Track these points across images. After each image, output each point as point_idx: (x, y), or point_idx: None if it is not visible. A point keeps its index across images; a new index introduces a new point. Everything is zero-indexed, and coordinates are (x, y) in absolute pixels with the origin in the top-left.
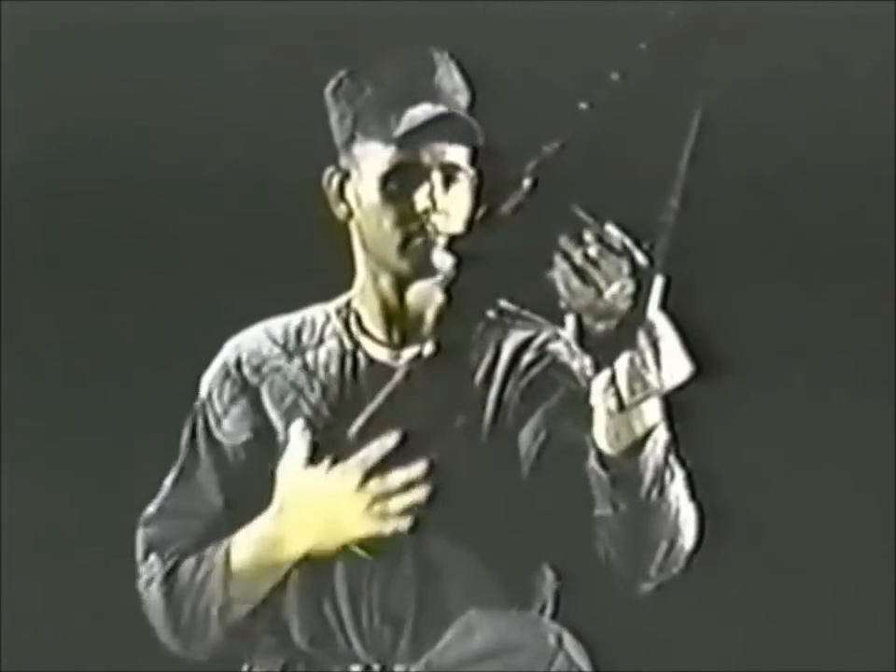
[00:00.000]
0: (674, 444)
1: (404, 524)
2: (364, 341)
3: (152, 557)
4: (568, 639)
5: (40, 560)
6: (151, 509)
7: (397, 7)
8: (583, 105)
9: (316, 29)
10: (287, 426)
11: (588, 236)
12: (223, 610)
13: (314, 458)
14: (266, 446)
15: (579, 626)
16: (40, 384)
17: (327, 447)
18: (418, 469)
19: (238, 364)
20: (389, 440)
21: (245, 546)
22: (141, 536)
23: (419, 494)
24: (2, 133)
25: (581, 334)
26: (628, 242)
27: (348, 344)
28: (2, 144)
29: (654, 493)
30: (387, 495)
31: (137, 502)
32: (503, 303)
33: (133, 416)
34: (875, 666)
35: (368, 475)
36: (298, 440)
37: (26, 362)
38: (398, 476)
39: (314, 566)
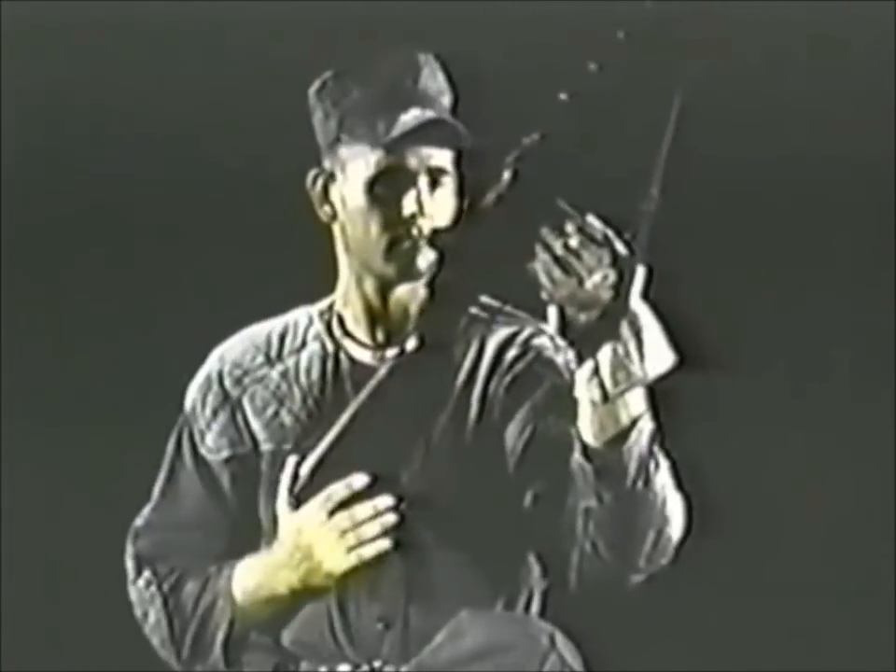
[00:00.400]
0: (659, 434)
1: (385, 543)
2: (347, 343)
3: (146, 573)
4: (561, 639)
5: (30, 568)
6: (139, 522)
7: (378, 7)
8: (563, 96)
9: (299, 30)
10: (268, 437)
11: (569, 227)
12: (227, 637)
13: (297, 495)
14: (246, 463)
15: (568, 622)
16: (28, 392)
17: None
18: (385, 501)
19: (220, 376)
20: (357, 480)
21: (244, 577)
22: (130, 550)
23: (389, 518)
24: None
25: (564, 325)
26: (609, 232)
27: (330, 347)
28: None
29: (639, 483)
30: (355, 525)
31: (128, 511)
32: (485, 299)
33: (122, 422)
34: (865, 657)
35: (333, 511)
36: (286, 474)
37: (13, 373)
38: (363, 509)
39: None
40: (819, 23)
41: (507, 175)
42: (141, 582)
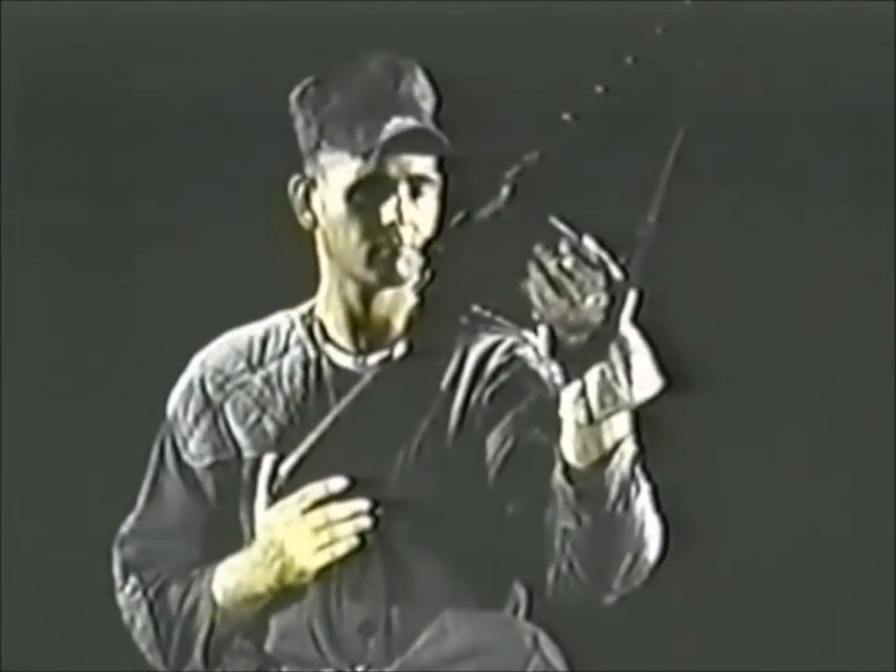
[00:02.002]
0: (641, 457)
1: (354, 540)
2: (328, 348)
3: (132, 580)
4: (544, 640)
5: (16, 577)
6: (125, 529)
7: (382, 8)
8: (566, 117)
9: (281, 34)
10: (251, 444)
11: (563, 247)
12: (208, 638)
13: (275, 494)
14: (230, 469)
15: (552, 627)
16: (10, 401)
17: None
18: (361, 504)
19: (202, 382)
20: (335, 483)
21: (225, 577)
22: (117, 557)
23: (364, 521)
24: None
25: (554, 345)
26: (604, 255)
27: (312, 353)
28: None
29: (619, 507)
30: (329, 523)
31: (114, 519)
32: (476, 309)
33: (104, 429)
34: None
35: (308, 510)
36: (263, 473)
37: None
38: (339, 508)
39: None
40: (832, 52)
41: (505, 190)
42: (128, 589)
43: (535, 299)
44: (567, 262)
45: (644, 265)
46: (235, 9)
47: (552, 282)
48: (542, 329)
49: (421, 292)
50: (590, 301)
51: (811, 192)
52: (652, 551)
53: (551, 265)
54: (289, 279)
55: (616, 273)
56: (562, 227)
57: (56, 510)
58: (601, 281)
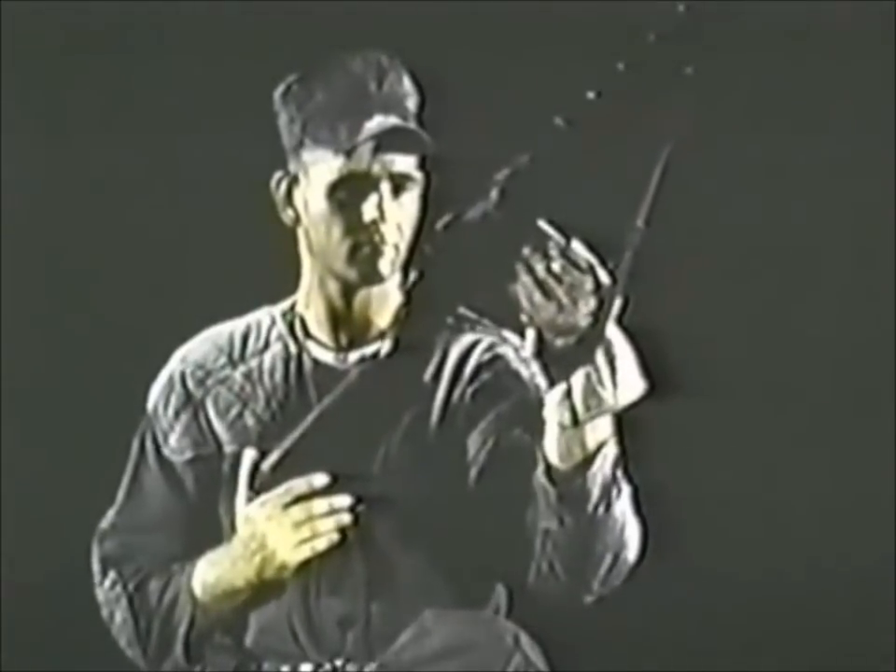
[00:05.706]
0: (622, 459)
1: (334, 536)
2: (309, 344)
3: (112, 574)
4: (525, 639)
5: None
6: (104, 524)
7: (370, 6)
8: (558, 121)
9: (265, 30)
10: (232, 439)
11: (552, 250)
12: (188, 633)
13: (257, 489)
14: (210, 463)
15: (532, 626)
16: None
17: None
18: (343, 500)
19: (183, 377)
20: (317, 479)
21: (204, 571)
22: (96, 551)
23: (345, 517)
24: None
25: (541, 348)
26: (593, 259)
27: (293, 348)
28: None
29: (601, 509)
30: (310, 518)
31: (94, 513)
32: (461, 310)
33: (85, 423)
34: None
35: (289, 505)
36: (244, 468)
37: None
38: (320, 503)
39: None
40: (823, 60)
41: (494, 192)
42: (107, 584)
43: (523, 301)
44: (556, 266)
45: (632, 269)
46: (220, 6)
47: (540, 285)
48: (530, 332)
49: (408, 291)
50: (578, 304)
51: (801, 198)
52: (632, 552)
53: (539, 268)
54: (271, 275)
55: (604, 277)
56: (551, 230)
57: (35, 504)
58: (589, 285)
